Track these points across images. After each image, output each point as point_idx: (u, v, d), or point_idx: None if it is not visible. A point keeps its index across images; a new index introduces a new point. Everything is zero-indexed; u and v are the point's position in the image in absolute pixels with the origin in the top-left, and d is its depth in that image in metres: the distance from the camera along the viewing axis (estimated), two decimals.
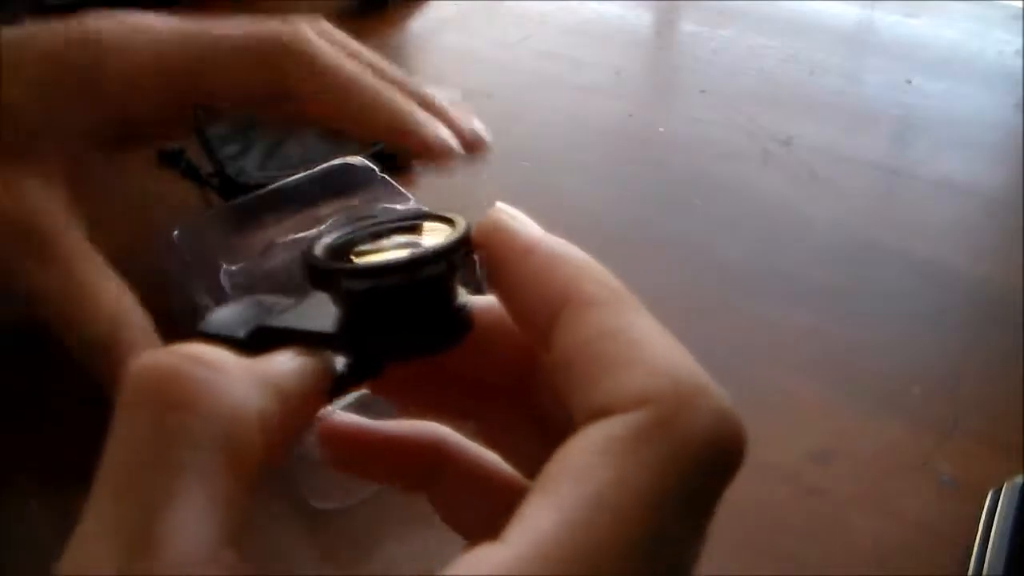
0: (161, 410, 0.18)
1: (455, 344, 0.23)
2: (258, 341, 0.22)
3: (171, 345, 0.19)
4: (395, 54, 0.85)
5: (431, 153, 0.48)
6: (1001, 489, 0.43)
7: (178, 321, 0.45)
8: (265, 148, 0.63)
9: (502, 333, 0.24)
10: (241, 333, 0.23)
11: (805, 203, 0.66)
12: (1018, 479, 0.43)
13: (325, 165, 0.55)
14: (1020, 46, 0.84)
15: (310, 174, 0.54)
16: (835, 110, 0.76)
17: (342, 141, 0.55)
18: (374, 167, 0.56)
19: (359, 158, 0.57)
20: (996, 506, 0.43)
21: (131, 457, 0.18)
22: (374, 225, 0.24)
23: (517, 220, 0.22)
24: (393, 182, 0.55)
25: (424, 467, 0.25)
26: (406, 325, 0.22)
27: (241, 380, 0.19)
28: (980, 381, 0.52)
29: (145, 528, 0.17)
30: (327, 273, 0.22)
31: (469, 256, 0.22)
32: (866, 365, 0.53)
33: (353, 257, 0.23)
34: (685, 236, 0.63)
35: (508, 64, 0.82)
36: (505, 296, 0.22)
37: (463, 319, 0.23)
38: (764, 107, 0.76)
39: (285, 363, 0.21)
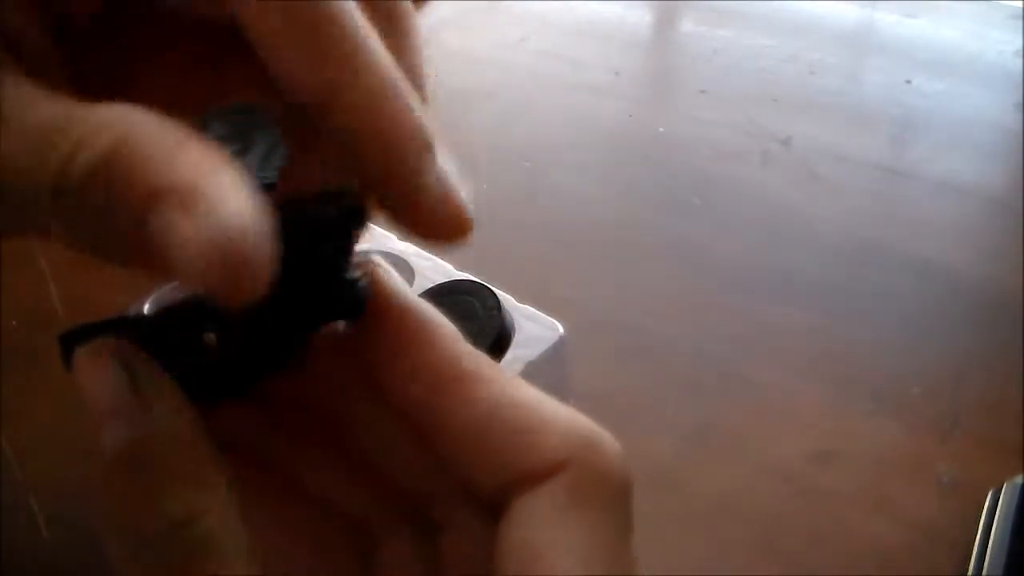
0: None
1: (347, 317, 0.21)
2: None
3: None
4: None
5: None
6: (1001, 489, 0.43)
7: None
8: (265, 148, 0.63)
9: (331, 364, 0.22)
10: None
11: (805, 203, 0.66)
12: (1018, 479, 0.43)
13: None
14: (1020, 46, 0.84)
15: None
16: (835, 110, 0.76)
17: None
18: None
19: None
20: (996, 506, 0.43)
21: None
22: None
23: (395, 285, 0.21)
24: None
25: None
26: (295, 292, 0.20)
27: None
28: (980, 381, 0.52)
29: None
30: None
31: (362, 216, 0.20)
32: (866, 365, 0.53)
33: None
34: (685, 236, 0.63)
35: (508, 64, 0.82)
36: (373, 358, 0.21)
37: (356, 292, 0.21)
38: (764, 107, 0.76)
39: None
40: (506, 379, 0.21)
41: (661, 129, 0.74)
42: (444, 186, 0.20)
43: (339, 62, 0.19)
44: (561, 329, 0.41)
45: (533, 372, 0.39)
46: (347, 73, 0.19)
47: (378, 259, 0.22)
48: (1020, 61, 0.82)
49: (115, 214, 0.16)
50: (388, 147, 0.19)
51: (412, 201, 0.20)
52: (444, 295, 0.40)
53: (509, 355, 0.39)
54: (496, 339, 0.39)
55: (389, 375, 0.21)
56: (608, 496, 0.19)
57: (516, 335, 0.40)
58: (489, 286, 0.40)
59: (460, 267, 0.43)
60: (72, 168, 0.16)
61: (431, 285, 0.41)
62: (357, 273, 0.21)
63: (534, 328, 0.40)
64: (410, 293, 0.22)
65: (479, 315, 0.39)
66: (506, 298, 0.41)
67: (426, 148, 0.20)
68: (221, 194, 0.15)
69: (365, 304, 0.21)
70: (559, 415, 0.20)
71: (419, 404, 0.21)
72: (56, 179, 0.16)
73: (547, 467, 0.19)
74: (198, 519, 0.18)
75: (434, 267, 0.43)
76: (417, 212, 0.20)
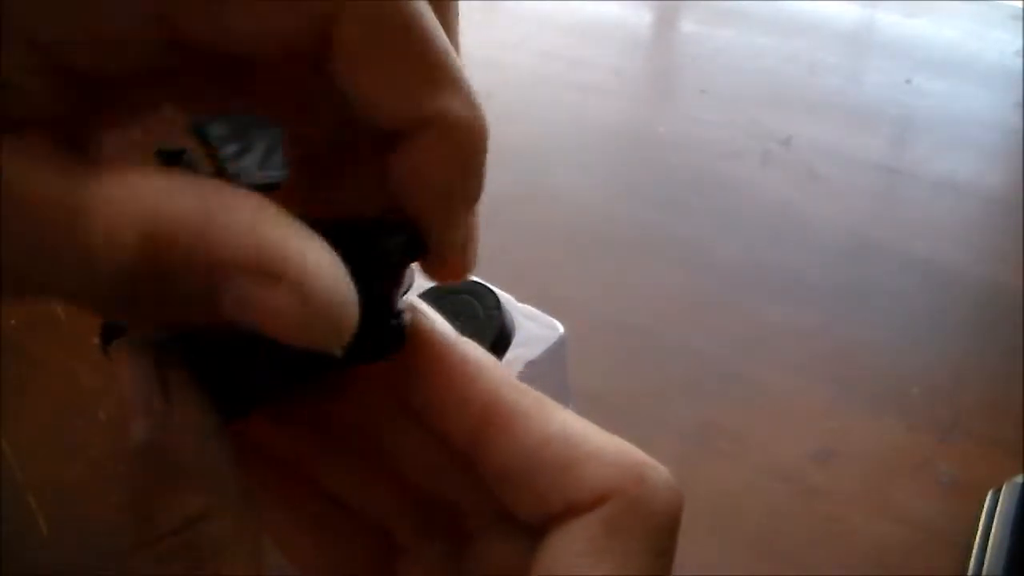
0: None
1: (386, 357, 0.21)
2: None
3: None
4: None
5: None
6: (1001, 489, 0.43)
7: None
8: (265, 148, 0.63)
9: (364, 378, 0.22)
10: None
11: (805, 203, 0.66)
12: (1018, 479, 0.43)
13: None
14: (1020, 46, 0.84)
15: None
16: (835, 110, 0.76)
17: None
18: None
19: None
20: (996, 506, 0.43)
21: None
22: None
23: (434, 322, 0.21)
24: None
25: None
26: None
27: None
28: (980, 381, 0.52)
29: None
30: None
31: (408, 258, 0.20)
32: (866, 365, 0.53)
33: None
34: (685, 236, 0.63)
35: (508, 64, 0.82)
36: (416, 396, 0.21)
37: (399, 329, 0.21)
38: (764, 107, 0.76)
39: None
40: (552, 411, 0.20)
41: (661, 129, 0.74)
42: (468, 239, 0.21)
43: (438, 88, 0.19)
44: (561, 329, 0.41)
45: (533, 372, 0.39)
46: (443, 101, 0.19)
47: (415, 298, 0.22)
48: (1020, 61, 0.82)
49: (170, 287, 0.16)
50: (449, 198, 0.20)
51: (438, 248, 0.20)
52: (444, 295, 0.40)
53: (509, 355, 0.39)
54: (496, 339, 0.39)
55: (432, 410, 0.21)
56: (647, 530, 0.19)
57: (516, 335, 0.40)
58: (489, 286, 0.40)
59: None
60: (108, 253, 0.16)
61: (431, 285, 0.41)
62: (403, 306, 0.21)
63: (534, 328, 0.40)
64: (450, 329, 0.22)
65: (479, 315, 0.39)
66: (506, 298, 0.41)
67: (474, 203, 0.21)
68: (310, 267, 0.16)
69: (405, 341, 0.21)
70: (605, 447, 0.20)
71: (462, 437, 0.21)
72: (88, 264, 0.16)
73: (588, 500, 0.19)
74: (209, 519, 0.18)
75: None
76: (437, 258, 0.20)
